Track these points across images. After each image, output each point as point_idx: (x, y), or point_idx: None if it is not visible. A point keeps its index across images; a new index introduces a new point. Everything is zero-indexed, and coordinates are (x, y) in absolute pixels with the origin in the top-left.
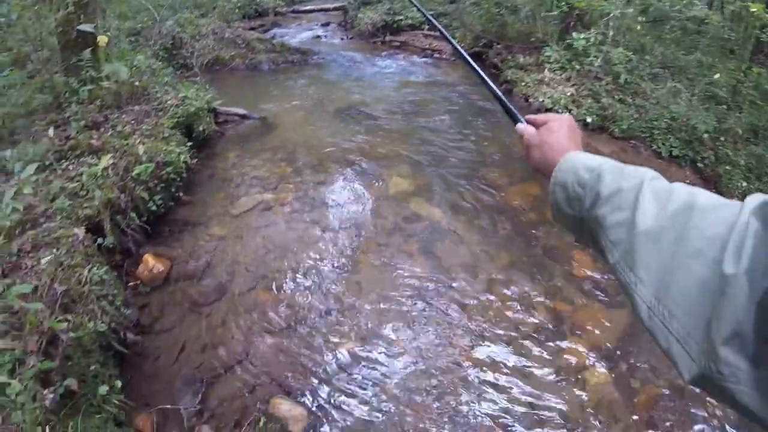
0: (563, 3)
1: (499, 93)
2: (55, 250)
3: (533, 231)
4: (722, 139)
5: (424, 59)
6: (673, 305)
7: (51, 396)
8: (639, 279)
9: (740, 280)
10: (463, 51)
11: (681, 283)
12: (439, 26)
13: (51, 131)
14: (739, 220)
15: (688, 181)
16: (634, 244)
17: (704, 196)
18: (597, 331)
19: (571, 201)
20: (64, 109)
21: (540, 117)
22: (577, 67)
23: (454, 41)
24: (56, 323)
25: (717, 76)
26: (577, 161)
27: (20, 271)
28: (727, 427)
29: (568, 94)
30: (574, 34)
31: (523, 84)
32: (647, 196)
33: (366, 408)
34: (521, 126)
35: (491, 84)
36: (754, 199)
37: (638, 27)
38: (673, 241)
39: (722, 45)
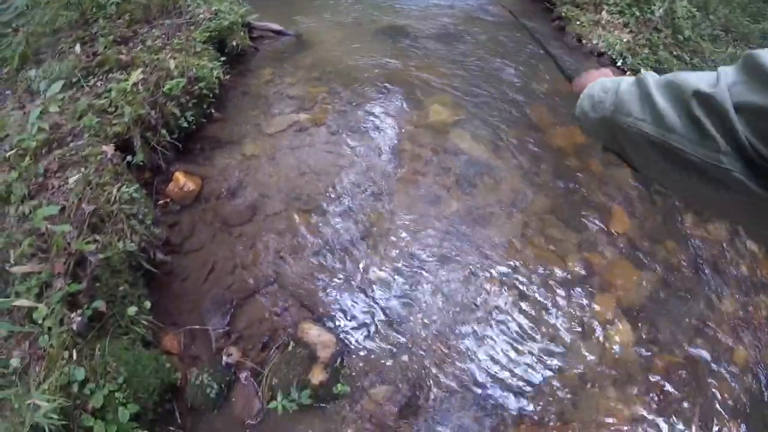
0: None
1: (559, 63)
2: (83, 169)
3: (574, 176)
4: None
5: None
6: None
7: (78, 319)
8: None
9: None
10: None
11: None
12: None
13: (77, 48)
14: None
15: None
16: (644, 103)
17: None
18: (626, 290)
19: (596, 105)
20: (91, 25)
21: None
22: (637, 13)
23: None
24: (84, 245)
25: None
26: (604, 79)
27: (47, 192)
28: (739, 407)
29: (624, 40)
30: None
31: (577, 23)
32: (649, 78)
33: (391, 340)
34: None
35: (550, 51)
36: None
37: None
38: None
39: None
